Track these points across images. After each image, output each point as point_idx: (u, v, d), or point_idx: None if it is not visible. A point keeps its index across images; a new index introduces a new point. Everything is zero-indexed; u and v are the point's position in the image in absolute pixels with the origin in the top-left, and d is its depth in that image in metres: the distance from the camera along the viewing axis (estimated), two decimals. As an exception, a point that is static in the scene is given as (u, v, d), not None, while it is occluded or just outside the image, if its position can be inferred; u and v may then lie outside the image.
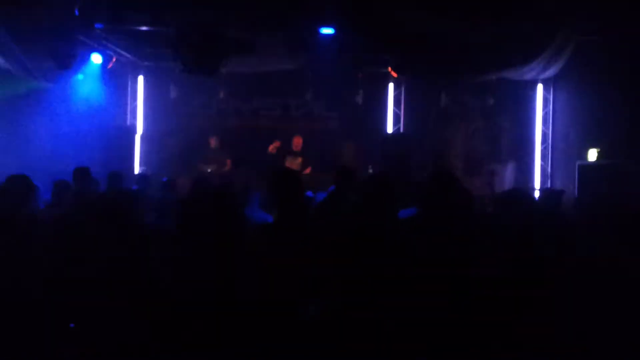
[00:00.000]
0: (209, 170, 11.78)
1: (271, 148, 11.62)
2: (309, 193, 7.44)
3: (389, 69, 12.21)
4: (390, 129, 12.91)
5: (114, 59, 11.43)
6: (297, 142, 11.70)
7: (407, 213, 5.00)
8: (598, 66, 10.25)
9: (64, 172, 7.10)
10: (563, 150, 12.06)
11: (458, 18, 9.55)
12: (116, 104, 12.53)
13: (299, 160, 11.41)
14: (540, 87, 12.36)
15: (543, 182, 12.26)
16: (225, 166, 12.04)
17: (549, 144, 12.39)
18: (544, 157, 12.39)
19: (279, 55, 11.05)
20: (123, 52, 11.71)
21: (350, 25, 9.93)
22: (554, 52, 10.53)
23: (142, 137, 12.94)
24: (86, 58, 11.29)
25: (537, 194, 11.31)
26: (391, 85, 12.88)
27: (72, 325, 3.47)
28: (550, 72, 11.44)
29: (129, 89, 13.02)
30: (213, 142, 12.25)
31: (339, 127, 12.84)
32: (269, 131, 12.03)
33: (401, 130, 12.85)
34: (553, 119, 12.38)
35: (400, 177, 9.59)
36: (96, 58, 11.43)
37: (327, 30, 10.21)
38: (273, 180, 4.01)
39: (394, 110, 12.96)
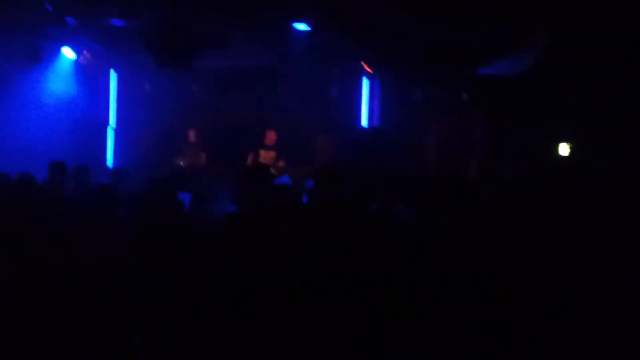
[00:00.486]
0: (182, 164, 11.72)
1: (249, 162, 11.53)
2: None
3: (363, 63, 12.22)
4: (365, 123, 12.92)
5: (85, 53, 11.30)
6: (271, 136, 11.69)
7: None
8: (570, 62, 10.36)
9: (33, 165, 7.03)
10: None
11: (433, 16, 9.59)
12: (88, 98, 12.40)
13: (273, 154, 11.41)
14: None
15: (515, 176, 12.36)
16: (199, 160, 11.99)
17: (521, 138, 12.47)
18: (516, 151, 12.47)
19: (252, 50, 11.01)
20: (95, 46, 11.59)
21: (324, 21, 9.93)
22: (526, 48, 10.62)
23: (116, 131, 12.83)
24: (57, 52, 11.18)
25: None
26: (365, 80, 12.88)
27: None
28: (522, 68, 11.54)
29: (101, 82, 12.88)
30: (192, 135, 12.18)
31: (313, 121, 12.81)
32: (242, 125, 11.98)
33: (375, 124, 12.87)
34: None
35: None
36: (67, 52, 11.32)
37: (301, 26, 10.18)
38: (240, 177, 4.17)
39: (368, 104, 12.97)
